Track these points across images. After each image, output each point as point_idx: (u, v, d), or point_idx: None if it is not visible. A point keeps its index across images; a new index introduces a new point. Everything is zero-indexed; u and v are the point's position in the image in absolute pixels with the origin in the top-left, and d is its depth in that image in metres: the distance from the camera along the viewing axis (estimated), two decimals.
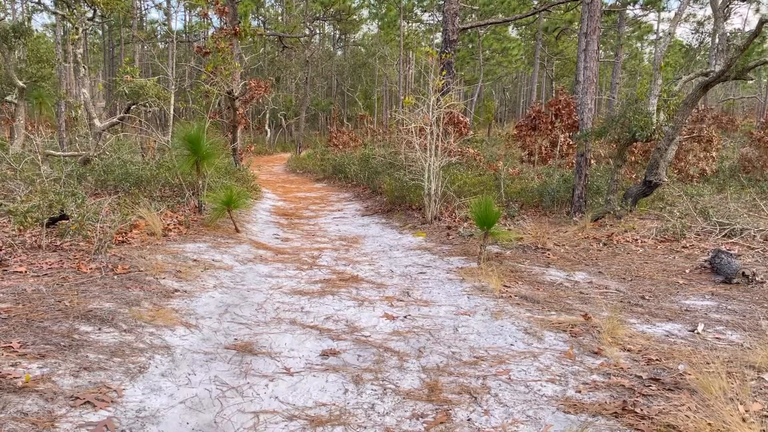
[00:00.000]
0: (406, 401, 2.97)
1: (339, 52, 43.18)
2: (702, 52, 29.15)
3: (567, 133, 12.54)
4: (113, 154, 10.49)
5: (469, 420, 2.78)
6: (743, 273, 5.25)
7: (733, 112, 30.31)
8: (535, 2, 23.55)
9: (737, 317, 4.28)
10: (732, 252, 6.08)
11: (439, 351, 3.67)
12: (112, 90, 24.56)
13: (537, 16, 24.06)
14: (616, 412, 2.74)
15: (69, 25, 9.99)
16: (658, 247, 6.81)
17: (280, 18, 33.80)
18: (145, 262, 5.19)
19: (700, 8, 32.12)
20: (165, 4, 33.61)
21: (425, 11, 31.60)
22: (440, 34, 21.26)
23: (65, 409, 2.56)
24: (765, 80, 30.79)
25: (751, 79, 7.86)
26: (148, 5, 40.28)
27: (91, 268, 4.76)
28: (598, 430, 2.62)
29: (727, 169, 12.08)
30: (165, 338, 3.61)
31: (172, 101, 10.88)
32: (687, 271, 5.75)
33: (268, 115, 32.55)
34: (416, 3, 29.82)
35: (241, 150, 13.01)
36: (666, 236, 7.13)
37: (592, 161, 10.65)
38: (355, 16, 32.88)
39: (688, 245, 6.75)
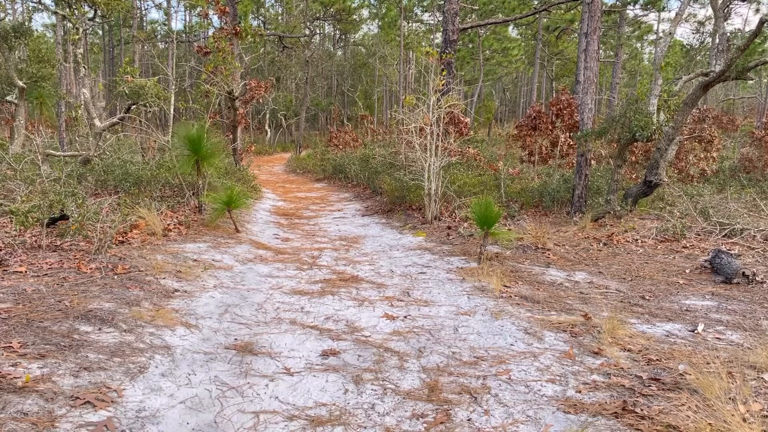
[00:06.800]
0: (406, 401, 2.97)
1: (339, 52, 43.18)
2: (702, 52, 29.14)
3: (567, 133, 12.54)
4: (113, 154, 10.48)
5: (469, 420, 2.78)
6: (743, 273, 5.25)
7: (733, 112, 30.29)
8: (536, 2, 23.55)
9: (737, 317, 4.28)
10: (732, 252, 6.08)
11: (439, 351, 3.67)
12: (112, 90, 24.54)
13: (537, 16, 24.05)
14: (616, 412, 2.74)
15: (69, 25, 9.99)
16: (658, 247, 6.81)
17: (280, 18, 33.83)
18: (146, 262, 5.19)
19: (701, 8, 32.16)
20: (165, 4, 33.59)
21: (425, 11, 31.65)
22: (440, 34, 21.24)
23: (65, 409, 2.56)
24: (765, 80, 30.77)
25: (752, 79, 7.87)
26: (148, 5, 40.32)
27: (91, 268, 4.76)
28: (598, 430, 2.62)
29: (727, 169, 12.08)
30: (165, 338, 3.61)
31: (172, 101, 10.88)
32: (687, 271, 5.75)
33: (268, 115, 32.55)
34: (416, 3, 29.85)
35: (241, 150, 13.01)
36: (666, 236, 7.13)
37: (593, 161, 10.64)
38: (355, 16, 32.94)
39: (688, 245, 6.75)
